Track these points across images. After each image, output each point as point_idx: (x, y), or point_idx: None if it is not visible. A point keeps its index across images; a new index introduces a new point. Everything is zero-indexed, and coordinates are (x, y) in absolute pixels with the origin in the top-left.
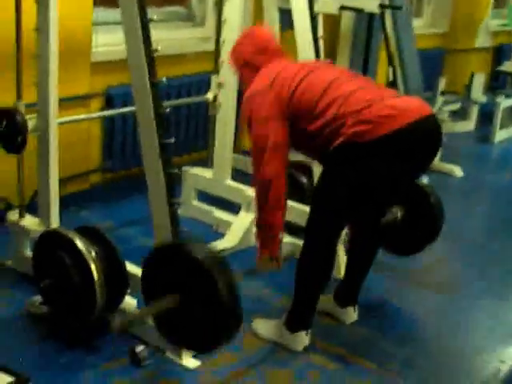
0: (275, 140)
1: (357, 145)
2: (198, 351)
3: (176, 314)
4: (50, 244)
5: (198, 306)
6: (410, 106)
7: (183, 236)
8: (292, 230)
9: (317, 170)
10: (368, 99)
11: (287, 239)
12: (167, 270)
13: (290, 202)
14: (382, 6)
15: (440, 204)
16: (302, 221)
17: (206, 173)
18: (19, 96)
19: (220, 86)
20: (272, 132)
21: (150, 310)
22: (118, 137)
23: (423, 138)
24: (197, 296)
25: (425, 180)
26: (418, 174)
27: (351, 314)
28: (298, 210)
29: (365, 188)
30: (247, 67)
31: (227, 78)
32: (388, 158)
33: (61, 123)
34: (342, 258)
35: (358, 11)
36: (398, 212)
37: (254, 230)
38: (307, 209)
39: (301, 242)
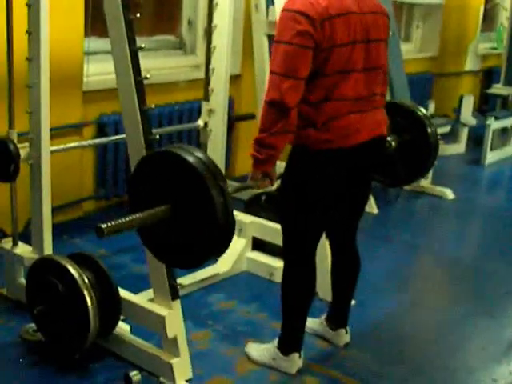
0: (304, 71)
1: (311, 151)
2: (185, 266)
3: (165, 226)
4: (44, 271)
5: (189, 215)
6: (364, 126)
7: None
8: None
9: None
10: (344, 112)
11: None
12: (156, 179)
13: (279, 226)
14: None
15: (436, 135)
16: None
17: None
18: (11, 125)
19: (210, 112)
20: (304, 62)
21: (139, 217)
22: (110, 164)
23: (365, 156)
24: (189, 204)
25: (423, 110)
26: (365, 182)
27: (343, 336)
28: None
29: (318, 192)
30: None
31: (217, 104)
32: (337, 166)
33: (53, 151)
34: (327, 280)
35: None
36: (392, 141)
37: (252, 146)
38: None
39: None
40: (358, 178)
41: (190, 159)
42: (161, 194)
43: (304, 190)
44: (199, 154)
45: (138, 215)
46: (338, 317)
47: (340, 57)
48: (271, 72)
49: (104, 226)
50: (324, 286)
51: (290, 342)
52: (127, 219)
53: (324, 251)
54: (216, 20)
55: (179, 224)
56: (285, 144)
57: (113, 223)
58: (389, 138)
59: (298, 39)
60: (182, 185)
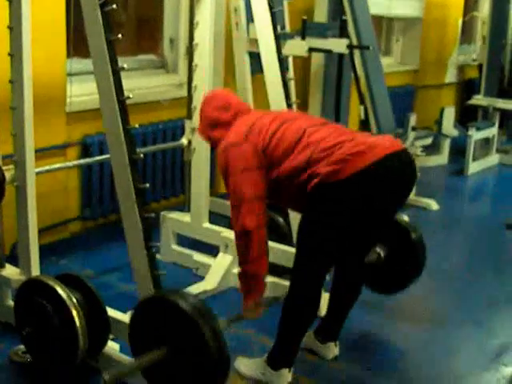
0: (254, 191)
1: (331, 184)
2: None
3: (165, 365)
4: (32, 292)
5: (185, 357)
6: (380, 142)
7: (163, 285)
8: (271, 270)
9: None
10: (339, 141)
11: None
12: (153, 323)
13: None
14: (351, 47)
15: (422, 241)
16: (279, 260)
17: (183, 217)
18: None
19: (194, 131)
20: (250, 183)
21: (139, 364)
22: (95, 185)
23: (396, 171)
24: (184, 347)
25: (405, 217)
26: (396, 207)
27: (332, 350)
28: (275, 250)
29: (345, 226)
30: (217, 128)
31: None
32: (364, 194)
33: (38, 173)
34: (323, 295)
35: (327, 52)
36: (380, 251)
37: (238, 280)
38: (284, 248)
39: (279, 281)
40: (385, 202)
41: (183, 305)
42: (158, 336)
43: (328, 222)
44: (192, 300)
45: (137, 361)
46: (329, 331)
47: (283, 136)
48: (230, 208)
49: (107, 376)
50: None
51: (283, 358)
52: (129, 366)
53: None
54: (197, 39)
55: (177, 364)
56: (266, 268)
57: (116, 372)
58: (377, 249)
59: (237, 165)
60: (177, 328)
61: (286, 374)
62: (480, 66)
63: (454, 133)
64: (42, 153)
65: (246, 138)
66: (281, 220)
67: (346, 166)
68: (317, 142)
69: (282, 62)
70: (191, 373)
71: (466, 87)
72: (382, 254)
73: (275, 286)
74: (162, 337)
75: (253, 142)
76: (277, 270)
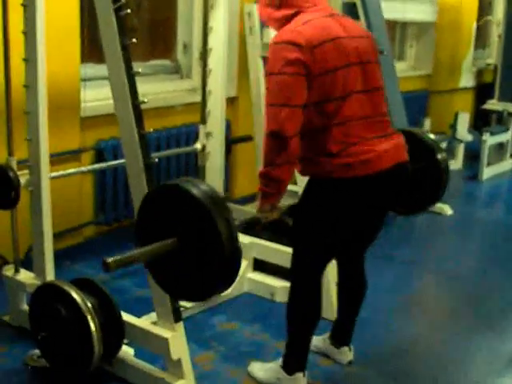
0: (300, 98)
1: (331, 180)
2: (194, 299)
3: (172, 258)
4: (46, 297)
5: (195, 248)
6: (387, 153)
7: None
8: (285, 274)
9: None
10: (358, 136)
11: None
12: (162, 213)
13: (279, 246)
14: None
15: (446, 161)
16: (285, 263)
17: None
18: (11, 152)
19: (208, 135)
20: (299, 89)
21: (146, 251)
22: (109, 190)
23: (390, 183)
24: (194, 237)
25: (431, 136)
26: (385, 209)
27: (347, 354)
28: (285, 253)
29: (338, 220)
30: (284, 7)
31: (214, 127)
32: (359, 196)
33: (53, 178)
34: (334, 299)
35: None
36: None
37: (259, 179)
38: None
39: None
40: (379, 206)
41: (195, 192)
42: (167, 227)
43: (324, 218)
44: (204, 187)
45: (144, 249)
46: (342, 335)
47: (337, 80)
48: (267, 105)
49: (110, 259)
50: (327, 305)
51: (295, 361)
52: (134, 253)
53: (329, 271)
54: (211, 43)
55: (186, 257)
56: (291, 175)
57: (119, 257)
58: None
59: (290, 68)
60: (187, 218)
61: (301, 379)
62: (495, 70)
63: (469, 138)
64: (56, 158)
65: (312, 50)
66: (288, 220)
67: (351, 169)
68: (347, 119)
69: None
70: (200, 265)
71: (481, 92)
72: None
73: (286, 290)
74: (171, 228)
75: (315, 58)
76: (282, 272)
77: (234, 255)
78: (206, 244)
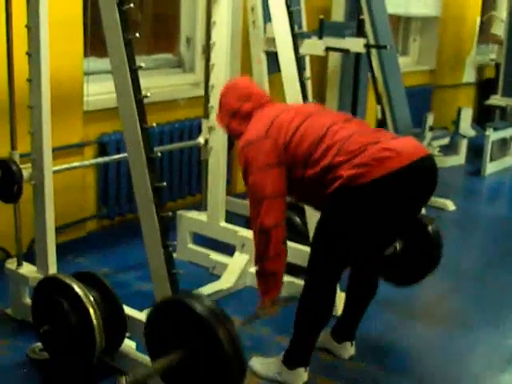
0: (274, 189)
1: (353, 188)
2: None
3: (180, 369)
4: (49, 290)
5: (201, 360)
6: (405, 147)
7: (180, 284)
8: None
9: (309, 209)
10: (363, 143)
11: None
12: (169, 326)
13: None
14: (368, 46)
15: (439, 234)
16: (295, 260)
17: (200, 216)
18: (13, 146)
19: (211, 129)
20: (270, 181)
21: (154, 369)
22: (112, 183)
23: (419, 178)
24: (199, 350)
25: (423, 210)
26: (415, 213)
27: (348, 349)
28: (291, 249)
29: (364, 230)
30: (236, 118)
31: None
32: (385, 200)
33: (56, 172)
34: (339, 295)
35: (344, 52)
36: (397, 244)
37: (255, 277)
38: (301, 248)
39: (295, 280)
40: (410, 206)
41: (199, 309)
42: (174, 339)
43: (347, 225)
44: (207, 303)
45: (152, 368)
46: (345, 331)
47: (305, 131)
48: (249, 206)
49: (123, 380)
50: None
51: (299, 357)
52: (145, 371)
53: None
54: (214, 37)
55: (193, 368)
56: (283, 265)
57: (131, 376)
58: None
59: (257, 163)
60: (192, 332)
61: (302, 374)
62: (497, 66)
63: (472, 133)
64: (59, 151)
65: (266, 133)
66: (297, 219)
67: (370, 170)
68: (340, 141)
69: (299, 61)
70: (207, 376)
71: (484, 87)
72: (399, 247)
73: (291, 285)
74: (177, 340)
75: (274, 137)
76: (293, 270)
77: (238, 367)
78: (210, 354)
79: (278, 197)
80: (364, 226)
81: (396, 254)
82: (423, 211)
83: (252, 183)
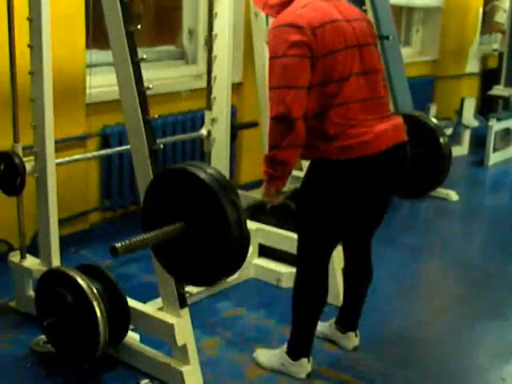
0: (305, 79)
1: (329, 161)
2: (202, 284)
3: (179, 244)
4: (52, 283)
5: (202, 232)
6: (386, 132)
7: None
8: (290, 260)
9: None
10: (356, 118)
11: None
12: (169, 197)
13: (284, 232)
14: None
15: (448, 145)
16: (291, 248)
17: None
18: (16, 139)
19: (213, 121)
20: (303, 71)
21: (153, 235)
22: (115, 176)
23: (390, 164)
24: (202, 221)
25: (433, 119)
26: (389, 192)
27: (353, 339)
28: (295, 240)
29: (339, 202)
30: None
31: (220, 113)
32: (357, 178)
33: (58, 164)
34: (340, 285)
35: None
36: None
37: (263, 163)
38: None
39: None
40: (381, 189)
41: (203, 176)
42: (174, 211)
43: (326, 201)
44: (211, 171)
45: (151, 234)
46: (348, 321)
47: (337, 63)
48: (271, 88)
49: (118, 245)
50: (332, 291)
51: (300, 347)
52: (141, 238)
53: (334, 256)
54: (216, 29)
55: (194, 241)
56: (296, 158)
57: (126, 242)
58: None
59: (293, 50)
60: (195, 202)
61: (306, 364)
62: (500, 56)
63: (475, 123)
64: (61, 144)
65: (314, 31)
66: (293, 205)
67: (350, 151)
68: (346, 100)
69: None
70: (207, 250)
71: (487, 77)
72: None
73: (292, 276)
74: (178, 211)
75: (316, 40)
76: (289, 258)
77: (242, 239)
78: (213, 228)
79: (305, 88)
80: (340, 199)
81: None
82: (434, 120)
83: (282, 67)
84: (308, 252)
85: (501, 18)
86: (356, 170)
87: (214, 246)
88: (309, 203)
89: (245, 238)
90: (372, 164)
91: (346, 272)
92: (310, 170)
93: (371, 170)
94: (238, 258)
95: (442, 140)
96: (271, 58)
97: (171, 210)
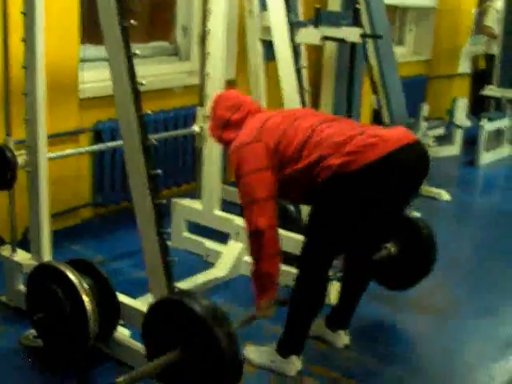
0: (266, 192)
1: (343, 176)
2: None
3: (178, 369)
4: (43, 277)
5: (198, 360)
6: (393, 134)
7: (174, 272)
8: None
9: None
10: (351, 135)
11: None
12: (167, 325)
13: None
14: (364, 36)
15: (432, 237)
16: (289, 248)
17: (195, 204)
18: (9, 133)
19: (206, 118)
20: (262, 184)
21: (152, 367)
22: (107, 171)
23: (409, 164)
24: (197, 350)
25: (417, 213)
26: (407, 199)
27: (342, 337)
28: (285, 238)
29: (358, 216)
30: (228, 128)
31: None
32: (376, 186)
33: (50, 159)
34: (334, 284)
35: (340, 41)
36: (391, 247)
37: (251, 279)
38: (295, 236)
39: (290, 269)
40: (402, 191)
41: (197, 308)
42: (172, 339)
43: (339, 213)
44: (205, 302)
45: (150, 365)
46: (340, 319)
47: (294, 135)
48: (242, 207)
49: (120, 379)
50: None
51: (292, 345)
52: (141, 370)
53: None
54: (210, 26)
55: (190, 368)
56: (277, 267)
57: (128, 376)
58: (388, 245)
59: (249, 166)
60: (190, 331)
61: (296, 362)
62: (487, 57)
63: (467, 123)
64: (54, 139)
65: (257, 137)
66: (291, 208)
67: (359, 157)
68: (328, 136)
69: (295, 50)
70: (204, 377)
71: (479, 78)
72: (393, 250)
73: (286, 274)
74: (175, 339)
75: (264, 140)
76: (287, 258)
77: (236, 367)
78: (208, 356)
79: (269, 199)
80: (357, 212)
81: (391, 258)
82: (417, 213)
83: (244, 186)
84: (314, 260)
85: (491, 21)
86: (370, 176)
87: (209, 372)
88: (325, 221)
89: (239, 365)
90: (384, 166)
91: (345, 272)
92: (324, 190)
93: (385, 172)
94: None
95: (424, 232)
96: (236, 181)
97: (170, 336)
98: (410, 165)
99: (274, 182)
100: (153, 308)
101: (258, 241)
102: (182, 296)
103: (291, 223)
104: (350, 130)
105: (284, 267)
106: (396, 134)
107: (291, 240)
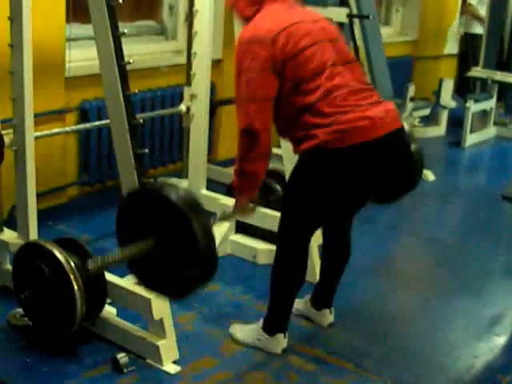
0: (267, 92)
1: (326, 151)
2: (174, 296)
3: (151, 258)
4: (30, 256)
5: (173, 249)
6: (382, 118)
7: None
8: (267, 237)
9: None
10: (348, 104)
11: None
12: (141, 214)
13: (263, 209)
14: (350, 16)
15: (420, 152)
16: (274, 227)
17: (181, 183)
18: None
19: (193, 97)
20: (264, 83)
21: (125, 253)
22: (93, 150)
23: (389, 151)
24: (172, 239)
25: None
26: (386, 184)
27: (327, 316)
28: (271, 217)
29: (332, 193)
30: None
31: (199, 89)
32: (356, 166)
33: (37, 138)
34: (316, 261)
35: None
36: None
37: (233, 175)
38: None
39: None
40: (375, 176)
41: (173, 196)
42: (146, 227)
43: (317, 191)
44: (181, 192)
45: (123, 250)
46: (323, 298)
47: (310, 58)
48: (236, 103)
49: (91, 262)
50: (309, 268)
51: (276, 323)
52: (113, 255)
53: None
54: (197, 5)
55: (164, 256)
56: (264, 169)
57: (99, 259)
58: None
59: (254, 64)
60: (165, 220)
61: (282, 340)
62: (466, 36)
63: (452, 104)
64: (40, 117)
65: (273, 40)
66: (277, 186)
67: (346, 137)
68: (334, 88)
69: None
70: (178, 267)
71: (465, 58)
72: None
73: (270, 253)
74: (149, 229)
75: (278, 47)
76: (271, 237)
77: (211, 261)
78: (182, 245)
79: (268, 100)
80: (333, 189)
81: None
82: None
83: (245, 82)
84: (291, 233)
85: (474, 0)
86: (353, 158)
87: (183, 261)
88: (300, 192)
89: (213, 255)
90: (368, 151)
91: (324, 249)
92: (304, 160)
93: (368, 156)
94: (206, 274)
95: (413, 147)
96: (236, 75)
97: (143, 225)
98: (388, 153)
99: (276, 87)
100: (129, 195)
101: (250, 141)
102: (159, 185)
103: (276, 201)
104: (351, 94)
105: (268, 246)
106: (384, 118)
107: (276, 219)
